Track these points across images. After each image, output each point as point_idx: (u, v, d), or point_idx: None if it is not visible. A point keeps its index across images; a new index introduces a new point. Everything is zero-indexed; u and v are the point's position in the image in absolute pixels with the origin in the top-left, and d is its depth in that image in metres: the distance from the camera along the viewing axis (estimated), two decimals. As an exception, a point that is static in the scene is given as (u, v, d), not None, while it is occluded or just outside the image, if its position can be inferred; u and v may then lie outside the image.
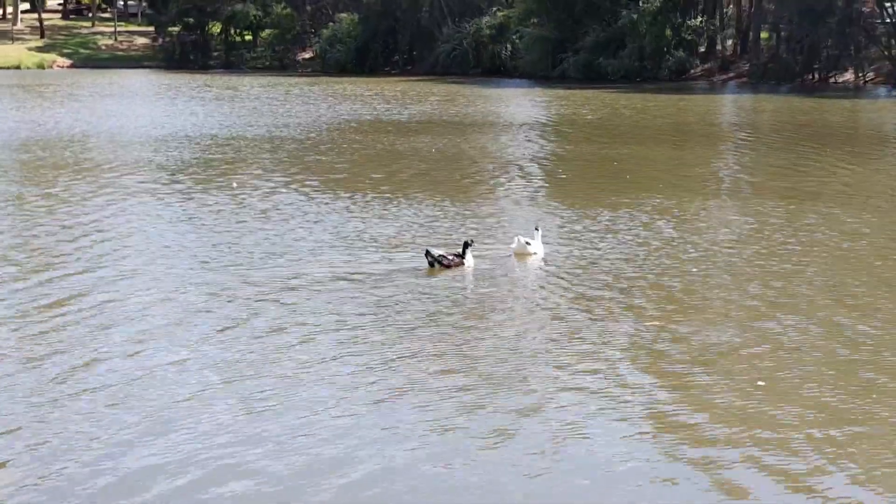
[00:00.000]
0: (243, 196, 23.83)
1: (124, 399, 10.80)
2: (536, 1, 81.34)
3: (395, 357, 12.19)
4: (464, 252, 16.55)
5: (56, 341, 12.72)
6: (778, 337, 12.95)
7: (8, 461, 9.33)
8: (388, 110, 50.31)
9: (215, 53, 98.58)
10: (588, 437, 9.94)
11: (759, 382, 11.32)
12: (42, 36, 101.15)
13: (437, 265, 16.31)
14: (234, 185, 25.54)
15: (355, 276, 15.98)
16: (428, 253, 16.49)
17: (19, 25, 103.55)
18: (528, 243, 17.22)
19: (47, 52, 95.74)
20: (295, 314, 13.95)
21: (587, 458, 9.51)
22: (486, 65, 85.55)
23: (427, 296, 14.92)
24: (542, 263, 16.95)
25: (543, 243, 17.54)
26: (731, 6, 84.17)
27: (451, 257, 16.45)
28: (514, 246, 17.37)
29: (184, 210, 22.08)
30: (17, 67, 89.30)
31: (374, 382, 11.34)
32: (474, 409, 10.59)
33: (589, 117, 47.61)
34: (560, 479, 9.10)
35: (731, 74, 78.16)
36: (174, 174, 27.57)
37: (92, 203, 22.73)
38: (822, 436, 9.92)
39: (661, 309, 14.31)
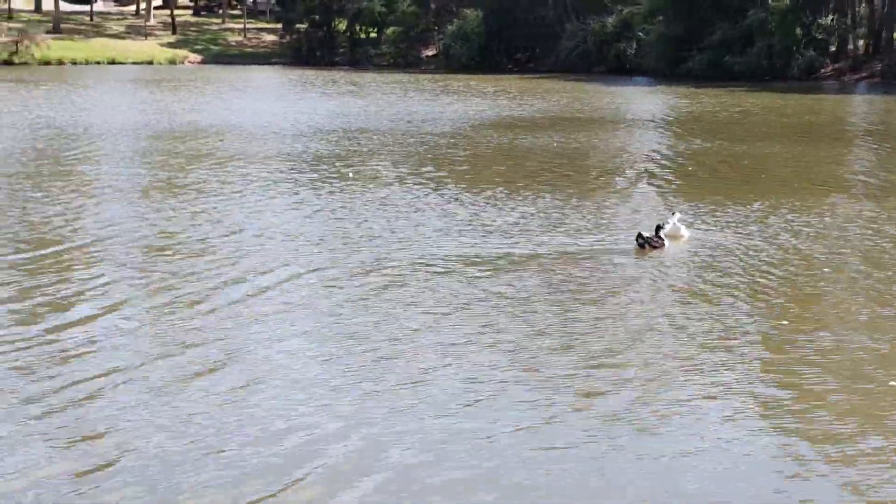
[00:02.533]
0: (369, 186, 24.17)
1: (269, 383, 11.09)
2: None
3: (531, 339, 12.26)
4: (657, 233, 17.24)
5: (198, 329, 13.09)
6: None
7: (170, 452, 9.66)
8: (510, 106, 50.34)
9: (341, 50, 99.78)
10: (717, 434, 9.87)
11: (892, 383, 11.10)
12: (174, 32, 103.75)
13: (646, 246, 16.93)
14: (350, 174, 25.99)
15: (518, 259, 16.12)
16: (639, 235, 17.18)
17: (152, 22, 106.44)
18: (679, 226, 17.87)
19: (179, 47, 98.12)
20: (447, 296, 14.13)
21: (718, 452, 9.45)
22: (610, 62, 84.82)
23: (601, 277, 14.96)
24: (688, 247, 17.41)
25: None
26: (864, 5, 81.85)
27: (657, 239, 17.12)
28: (668, 228, 17.60)
29: (316, 199, 22.48)
30: (150, 63, 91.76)
31: (510, 368, 11.45)
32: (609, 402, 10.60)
33: (717, 115, 46.88)
34: (688, 473, 9.06)
35: (863, 74, 75.96)
36: (304, 165, 28.10)
37: (224, 192, 23.32)
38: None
39: (791, 305, 14.10)
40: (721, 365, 11.60)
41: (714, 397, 10.65)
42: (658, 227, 17.45)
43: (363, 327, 12.89)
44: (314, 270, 15.74)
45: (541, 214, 20.61)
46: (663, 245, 17.20)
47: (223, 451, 9.24)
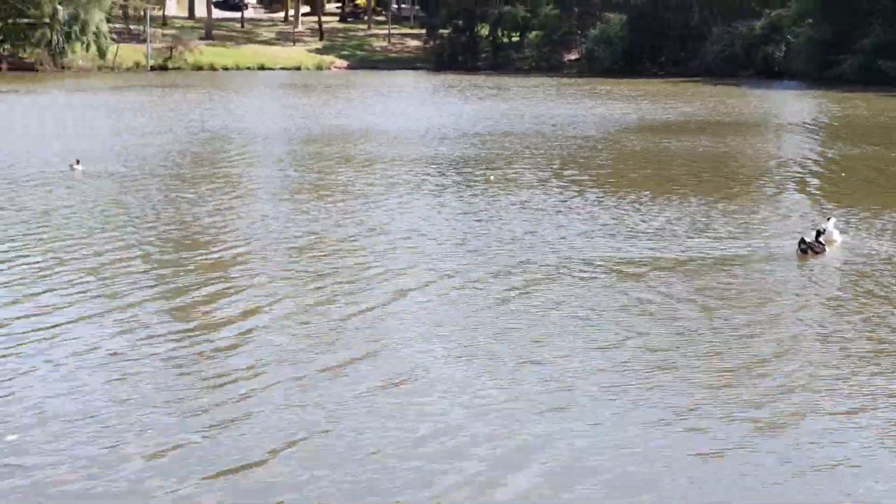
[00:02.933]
0: (512, 189, 24.15)
1: (417, 384, 11.18)
2: (814, 1, 78.27)
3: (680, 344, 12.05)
4: (818, 238, 16.94)
5: (342, 328, 13.27)
6: None
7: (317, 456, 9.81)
8: (654, 110, 49.70)
9: (483, 54, 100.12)
10: (868, 445, 9.52)
11: None
12: (321, 38, 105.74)
13: (809, 252, 16.67)
14: (492, 178, 25.99)
15: (661, 264, 15.92)
16: (802, 241, 16.91)
17: (300, 28, 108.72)
18: (833, 231, 17.57)
19: (325, 53, 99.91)
20: (596, 299, 14.03)
21: (869, 463, 9.12)
22: (758, 65, 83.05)
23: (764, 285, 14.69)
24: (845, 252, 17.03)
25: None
26: None
27: (819, 244, 16.86)
28: (826, 232, 17.34)
29: (459, 202, 22.57)
30: (298, 68, 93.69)
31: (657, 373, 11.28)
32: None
33: (870, 120, 45.36)
34: (838, 484, 8.77)
35: None
36: (447, 168, 28.26)
37: (370, 194, 23.61)
38: None
39: (956, 314, 13.53)
40: (875, 375, 11.20)
41: (865, 409, 10.29)
42: (818, 233, 17.01)
43: (505, 329, 12.86)
44: (457, 272, 15.79)
45: (687, 219, 20.26)
46: (824, 251, 16.76)
47: (372, 452, 9.32)
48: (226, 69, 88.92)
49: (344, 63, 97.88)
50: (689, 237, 18.43)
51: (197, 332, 12.65)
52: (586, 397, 10.56)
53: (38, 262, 16.20)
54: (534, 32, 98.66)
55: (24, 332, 12.48)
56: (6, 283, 14.95)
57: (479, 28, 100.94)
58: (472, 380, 11.05)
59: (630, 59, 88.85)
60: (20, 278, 15.21)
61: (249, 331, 12.76)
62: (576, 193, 23.58)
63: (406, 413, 10.13)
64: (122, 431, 9.60)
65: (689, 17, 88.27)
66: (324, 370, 11.29)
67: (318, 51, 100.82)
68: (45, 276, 15.32)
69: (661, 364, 11.55)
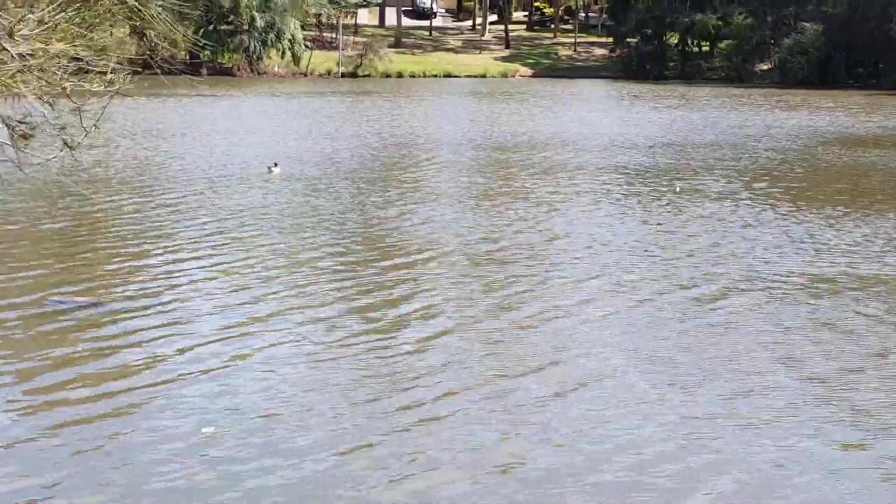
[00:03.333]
0: (699, 200, 23.74)
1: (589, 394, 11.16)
2: None
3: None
4: None
5: (518, 336, 13.33)
6: None
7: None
8: (851, 123, 47.98)
9: (671, 64, 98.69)
10: None
11: None
12: (507, 46, 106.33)
13: None
14: (678, 188, 25.58)
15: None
16: None
17: (487, 36, 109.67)
18: None
19: (511, 61, 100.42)
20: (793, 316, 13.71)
21: None
22: (968, 77, 79.17)
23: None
24: None
25: None
26: None
27: None
28: None
29: (643, 212, 22.36)
30: (483, 76, 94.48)
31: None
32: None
33: None
34: None
35: None
36: (632, 177, 28.03)
37: (553, 202, 23.62)
38: None
39: None
40: None
41: None
42: None
43: (686, 341, 12.67)
44: (641, 282, 15.65)
45: (883, 235, 19.51)
46: None
47: (554, 465, 9.35)
48: (413, 76, 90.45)
49: (529, 71, 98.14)
50: (884, 254, 17.75)
51: (382, 335, 12.93)
52: (772, 413, 10.30)
53: (232, 261, 16.89)
54: (724, 42, 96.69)
55: (221, 328, 13.02)
56: (202, 279, 15.63)
57: (668, 37, 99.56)
58: (655, 393, 10.93)
59: (825, 70, 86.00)
60: (215, 276, 15.88)
61: (432, 336, 12.93)
62: (766, 206, 23.01)
63: (588, 425, 10.09)
64: (315, 428, 9.89)
65: (889, 28, 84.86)
66: (504, 377, 11.36)
67: (503, 59, 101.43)
68: (239, 275, 15.96)
69: (853, 383, 11.16)
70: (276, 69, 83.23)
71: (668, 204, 23.27)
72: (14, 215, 20.35)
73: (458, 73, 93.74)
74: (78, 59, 6.07)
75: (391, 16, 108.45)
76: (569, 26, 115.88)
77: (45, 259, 16.80)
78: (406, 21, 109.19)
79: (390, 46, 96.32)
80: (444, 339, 12.74)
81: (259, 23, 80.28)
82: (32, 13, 5.54)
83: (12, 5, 5.71)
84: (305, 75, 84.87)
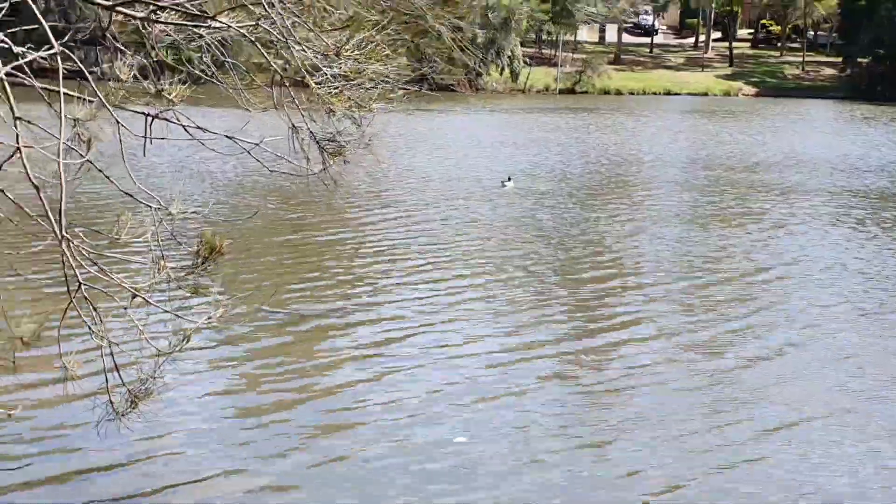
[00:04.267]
0: (945, 228, 22.81)
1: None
2: None
3: None
4: None
5: (734, 371, 13.20)
6: None
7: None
8: None
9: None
10: None
11: None
12: (731, 64, 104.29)
13: None
14: None
15: None
16: None
17: (710, 54, 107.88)
18: None
19: (734, 79, 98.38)
20: None
21: None
22: None
23: None
24: None
25: None
26: None
27: None
28: None
29: (884, 236, 21.65)
30: (705, 94, 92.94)
31: None
32: None
33: None
34: None
35: None
36: (870, 201, 27.12)
37: (785, 224, 23.15)
38: None
39: None
40: None
41: None
42: None
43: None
44: (880, 308, 15.20)
45: None
46: None
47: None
48: (632, 94, 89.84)
49: (752, 90, 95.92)
50: None
51: (591, 352, 13.12)
52: None
53: (457, 271, 17.34)
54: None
55: (462, 341, 13.48)
56: (423, 286, 16.12)
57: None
58: (860, 425, 10.70)
59: None
60: (439, 281, 16.38)
61: (640, 354, 13.03)
62: None
63: (793, 459, 10.00)
64: (559, 437, 10.14)
65: None
66: (711, 406, 11.33)
67: (726, 77, 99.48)
68: (461, 283, 16.39)
69: None
70: (494, 85, 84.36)
71: (909, 230, 22.46)
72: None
73: (678, 91, 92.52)
74: (373, 79, 6.52)
75: (611, 33, 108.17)
76: (796, 45, 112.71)
77: (279, 267, 17.71)
78: (626, 38, 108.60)
79: (609, 63, 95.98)
80: (647, 358, 12.76)
81: (480, 40, 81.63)
82: (352, 36, 5.98)
83: (329, 28, 6.19)
84: (523, 91, 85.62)
